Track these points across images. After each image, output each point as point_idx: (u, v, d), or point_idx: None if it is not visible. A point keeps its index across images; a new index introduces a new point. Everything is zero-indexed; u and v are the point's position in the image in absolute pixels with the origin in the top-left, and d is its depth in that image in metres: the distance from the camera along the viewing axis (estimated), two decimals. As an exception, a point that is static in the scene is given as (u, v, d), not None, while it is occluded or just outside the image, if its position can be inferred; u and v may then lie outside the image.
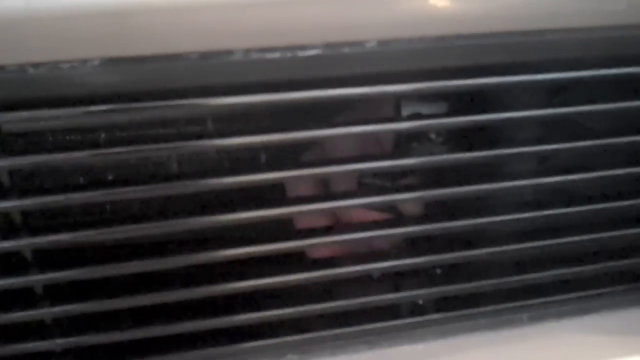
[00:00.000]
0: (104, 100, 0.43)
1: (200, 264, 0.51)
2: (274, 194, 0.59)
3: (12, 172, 0.46)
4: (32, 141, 0.55)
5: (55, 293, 0.50)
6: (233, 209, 0.50)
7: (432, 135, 0.51)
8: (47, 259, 0.49)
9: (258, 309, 0.54)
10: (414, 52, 0.44)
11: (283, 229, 0.55)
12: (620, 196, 0.56)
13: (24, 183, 0.55)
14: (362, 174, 0.55)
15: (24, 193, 0.46)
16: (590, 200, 0.56)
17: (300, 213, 0.53)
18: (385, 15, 0.43)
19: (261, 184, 0.49)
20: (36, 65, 0.41)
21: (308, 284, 0.54)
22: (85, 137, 0.56)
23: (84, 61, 0.41)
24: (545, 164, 0.56)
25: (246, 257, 0.51)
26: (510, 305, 0.59)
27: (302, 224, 0.58)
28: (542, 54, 0.47)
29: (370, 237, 0.54)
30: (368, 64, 0.44)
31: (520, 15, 0.45)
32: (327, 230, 0.53)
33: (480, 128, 0.52)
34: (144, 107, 0.44)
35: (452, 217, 0.53)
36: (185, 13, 0.40)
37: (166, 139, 0.46)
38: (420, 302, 0.58)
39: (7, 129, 0.44)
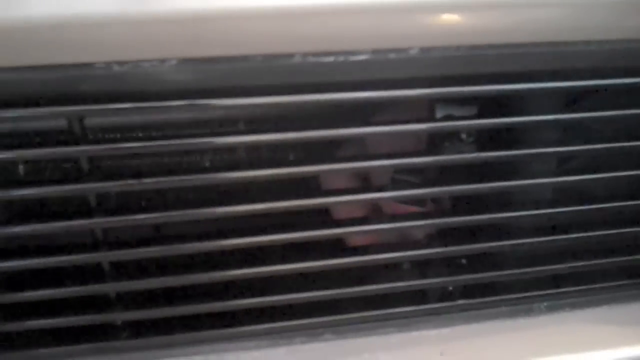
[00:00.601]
0: (178, 96, 0.49)
1: (248, 247, 0.56)
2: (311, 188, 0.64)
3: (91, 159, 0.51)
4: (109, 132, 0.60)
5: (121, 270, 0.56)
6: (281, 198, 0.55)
7: (463, 136, 0.57)
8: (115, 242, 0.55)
9: (299, 290, 0.59)
10: (450, 59, 0.49)
11: (323, 218, 0.60)
12: (631, 197, 0.61)
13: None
14: (397, 170, 0.60)
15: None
16: (603, 199, 0.61)
17: (337, 204, 0.59)
18: (427, 26, 0.48)
19: (307, 176, 0.54)
20: (121, 63, 0.46)
21: (345, 269, 0.60)
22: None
23: (162, 60, 0.47)
24: (564, 166, 0.61)
25: (289, 243, 0.57)
26: (529, 294, 0.64)
27: (340, 214, 0.63)
28: (564, 63, 0.52)
29: (403, 228, 0.59)
30: (410, 69, 0.50)
31: (541, 28, 0.50)
32: (363, 221, 0.59)
33: (507, 130, 0.57)
34: (214, 105, 0.50)
35: (479, 211, 0.59)
36: (252, 20, 0.46)
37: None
38: (450, 289, 0.63)
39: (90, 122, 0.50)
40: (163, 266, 0.56)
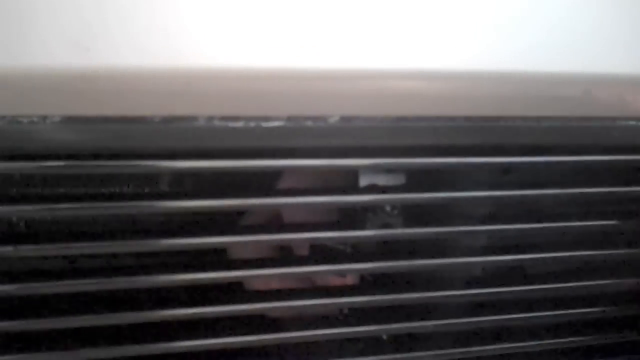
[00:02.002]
0: (61, 156, 0.43)
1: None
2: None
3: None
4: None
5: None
6: (186, 269, 0.50)
7: (387, 208, 0.52)
8: None
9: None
10: (374, 130, 0.45)
11: (234, 290, 0.55)
12: (570, 275, 0.58)
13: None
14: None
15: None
16: (534, 279, 0.57)
17: (254, 276, 0.54)
18: (349, 93, 0.43)
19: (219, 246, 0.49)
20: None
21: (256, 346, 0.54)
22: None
23: (44, 117, 0.40)
24: (495, 240, 0.57)
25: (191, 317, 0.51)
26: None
27: (253, 285, 0.57)
28: (496, 138, 0.48)
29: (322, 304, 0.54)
30: (329, 138, 0.45)
31: (474, 101, 0.46)
32: (279, 294, 0.54)
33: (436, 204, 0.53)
34: (100, 166, 0.43)
35: (402, 287, 0.54)
36: (152, 78, 0.40)
37: (121, 197, 0.46)
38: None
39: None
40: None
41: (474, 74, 0.44)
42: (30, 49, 0.38)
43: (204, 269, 0.50)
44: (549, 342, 0.60)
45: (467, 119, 0.46)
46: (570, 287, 0.57)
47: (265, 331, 0.53)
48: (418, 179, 0.53)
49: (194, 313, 0.51)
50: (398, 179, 0.53)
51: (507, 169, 0.55)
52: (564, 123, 0.48)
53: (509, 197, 0.52)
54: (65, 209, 0.45)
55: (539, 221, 0.54)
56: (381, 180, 0.52)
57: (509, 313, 0.57)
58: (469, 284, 0.56)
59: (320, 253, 0.55)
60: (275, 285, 0.55)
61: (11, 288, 0.46)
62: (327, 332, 0.55)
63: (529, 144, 0.49)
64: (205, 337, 0.52)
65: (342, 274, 0.57)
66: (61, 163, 0.43)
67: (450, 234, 0.52)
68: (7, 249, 0.45)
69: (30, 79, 0.38)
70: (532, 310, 0.58)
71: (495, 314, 0.57)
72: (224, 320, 0.53)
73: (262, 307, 0.52)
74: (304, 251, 0.56)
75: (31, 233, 0.55)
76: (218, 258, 0.56)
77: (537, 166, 0.51)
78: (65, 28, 0.38)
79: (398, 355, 0.57)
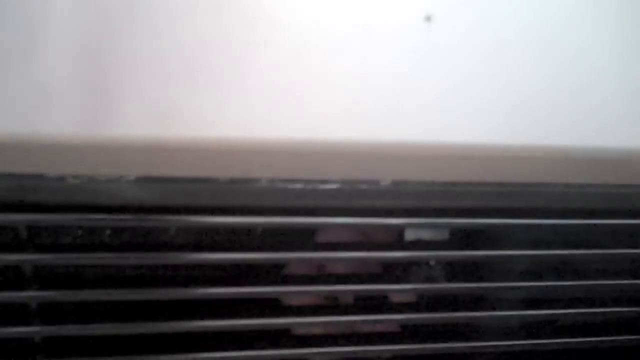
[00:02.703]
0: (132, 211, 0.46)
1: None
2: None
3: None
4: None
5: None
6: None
7: (432, 262, 0.55)
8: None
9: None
10: (424, 193, 0.48)
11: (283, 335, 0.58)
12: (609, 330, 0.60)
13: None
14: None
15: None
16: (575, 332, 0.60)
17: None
18: (400, 160, 0.46)
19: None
20: (75, 176, 0.44)
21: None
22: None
23: (120, 177, 0.44)
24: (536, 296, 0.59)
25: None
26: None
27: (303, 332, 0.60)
28: (535, 202, 0.51)
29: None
30: (381, 200, 0.48)
31: (514, 170, 0.49)
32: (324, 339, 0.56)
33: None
34: (166, 220, 0.47)
35: (443, 338, 0.57)
36: (220, 145, 0.44)
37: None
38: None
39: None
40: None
41: (512, 146, 0.47)
42: (113, 119, 0.42)
43: (256, 315, 0.53)
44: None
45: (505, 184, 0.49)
46: (601, 340, 0.59)
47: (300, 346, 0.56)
48: (463, 234, 0.55)
49: (245, 356, 0.54)
50: (442, 234, 0.56)
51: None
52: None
53: (544, 255, 0.54)
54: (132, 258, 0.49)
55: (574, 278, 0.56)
56: (425, 234, 0.55)
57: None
58: (506, 335, 0.58)
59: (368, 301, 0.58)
60: (321, 331, 0.58)
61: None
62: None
63: (566, 207, 0.52)
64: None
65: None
66: (131, 217, 0.46)
67: (487, 289, 0.55)
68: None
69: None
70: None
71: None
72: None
73: (308, 353, 0.55)
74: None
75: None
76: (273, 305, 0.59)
77: (567, 229, 0.54)
78: (144, 100, 0.42)
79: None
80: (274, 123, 0.44)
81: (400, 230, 0.55)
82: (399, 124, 0.45)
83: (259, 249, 0.51)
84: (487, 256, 0.53)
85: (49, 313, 0.50)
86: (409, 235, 0.55)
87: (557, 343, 0.59)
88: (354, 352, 0.56)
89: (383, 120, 0.45)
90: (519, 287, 0.56)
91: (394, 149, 0.46)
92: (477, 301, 0.57)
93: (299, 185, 0.46)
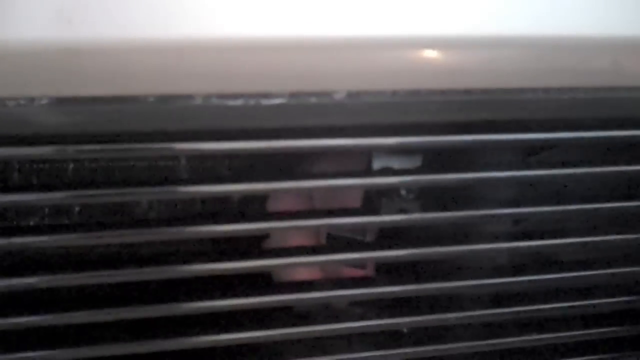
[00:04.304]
0: (52, 140, 0.40)
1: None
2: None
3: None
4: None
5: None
6: (191, 258, 0.47)
7: (403, 192, 0.49)
8: None
9: None
10: (386, 105, 0.42)
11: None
12: (598, 263, 0.54)
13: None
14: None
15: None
16: (564, 265, 0.54)
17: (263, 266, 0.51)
18: (356, 66, 0.40)
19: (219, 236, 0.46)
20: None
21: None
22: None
23: (32, 99, 0.38)
24: (521, 226, 0.53)
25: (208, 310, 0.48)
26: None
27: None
28: (519, 113, 0.45)
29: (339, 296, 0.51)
30: (336, 115, 0.42)
31: (498, 72, 0.43)
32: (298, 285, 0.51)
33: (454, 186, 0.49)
34: (90, 150, 0.41)
35: (422, 278, 0.51)
36: (142, 54, 0.38)
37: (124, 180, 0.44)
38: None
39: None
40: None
41: (492, 40, 0.41)
42: (8, 22, 0.36)
43: (220, 258, 0.47)
44: (575, 334, 0.56)
45: (485, 91, 0.42)
46: (598, 274, 0.53)
47: (286, 324, 0.51)
48: (435, 160, 0.49)
49: (220, 305, 0.48)
50: (414, 162, 0.50)
51: (531, 148, 0.51)
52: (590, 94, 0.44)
53: (533, 177, 0.48)
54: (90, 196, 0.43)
55: (564, 204, 0.50)
56: (396, 163, 0.49)
57: (534, 304, 0.54)
58: (492, 273, 0.52)
59: (336, 245, 0.52)
60: (289, 277, 0.52)
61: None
62: (345, 325, 0.52)
63: (552, 118, 0.45)
64: (231, 330, 0.49)
65: (358, 265, 0.54)
66: (51, 149, 0.40)
67: (471, 218, 0.49)
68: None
69: (11, 55, 0.36)
70: (557, 301, 0.54)
71: (518, 305, 0.53)
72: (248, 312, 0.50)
73: (280, 300, 0.50)
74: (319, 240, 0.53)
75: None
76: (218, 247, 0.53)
77: (560, 143, 0.47)
78: None
79: (419, 349, 0.54)
80: (205, 20, 0.38)
81: (366, 157, 0.49)
82: (355, 16, 0.39)
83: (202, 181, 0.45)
84: (464, 180, 0.47)
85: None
86: (377, 164, 0.49)
87: (549, 279, 0.53)
88: (326, 297, 0.50)
89: (337, 13, 0.39)
90: (505, 215, 0.50)
91: (349, 50, 0.40)
92: (457, 236, 0.51)
93: (239, 102, 0.40)
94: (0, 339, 0.46)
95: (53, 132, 0.40)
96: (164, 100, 0.39)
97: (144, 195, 0.45)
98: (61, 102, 0.38)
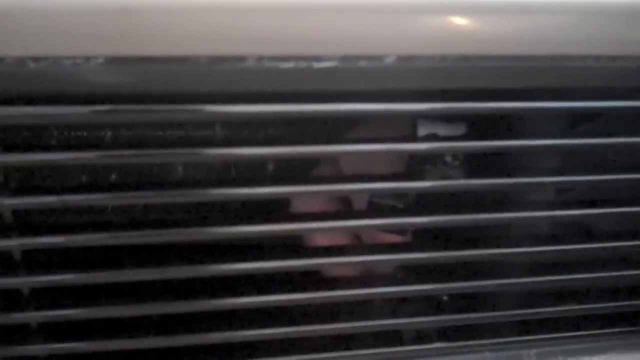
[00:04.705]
0: (106, 100, 0.41)
1: (201, 276, 0.49)
2: (280, 208, 0.56)
3: (7, 169, 0.44)
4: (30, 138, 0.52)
5: (44, 297, 0.48)
6: (236, 221, 0.48)
7: (448, 158, 0.49)
8: (36, 260, 0.47)
9: (258, 326, 0.51)
10: (434, 71, 0.42)
11: (288, 243, 0.53)
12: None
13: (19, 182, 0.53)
14: (372, 194, 0.53)
15: (18, 192, 0.44)
16: (608, 237, 0.53)
17: (306, 230, 0.52)
18: (407, 30, 0.40)
19: (266, 198, 0.47)
20: (37, 59, 0.38)
21: (311, 303, 0.52)
22: (88, 136, 0.54)
23: (87, 58, 0.39)
24: (563, 196, 0.53)
25: (245, 273, 0.49)
26: (517, 339, 0.57)
27: (308, 240, 0.55)
28: (567, 81, 0.44)
29: (380, 261, 0.51)
30: (386, 80, 0.42)
31: (546, 39, 0.42)
32: (334, 250, 0.51)
33: (498, 154, 0.49)
34: (146, 110, 0.42)
35: (464, 245, 0.51)
36: (196, 14, 0.38)
37: (172, 143, 0.44)
38: (428, 330, 0.55)
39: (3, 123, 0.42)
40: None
41: (544, 6, 0.41)
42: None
43: (260, 221, 0.48)
44: (614, 305, 0.56)
45: (532, 58, 0.42)
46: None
47: (321, 289, 0.51)
48: (480, 128, 0.49)
49: (249, 268, 0.49)
50: (459, 129, 0.50)
51: (577, 117, 0.51)
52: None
53: (580, 146, 0.48)
54: (110, 157, 0.43)
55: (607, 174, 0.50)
56: (441, 130, 0.49)
57: (573, 273, 0.54)
58: (533, 242, 0.52)
59: (378, 211, 0.53)
60: (331, 241, 0.53)
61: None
62: (384, 290, 0.52)
63: (599, 87, 0.45)
64: (261, 293, 0.50)
65: (400, 231, 0.55)
66: (105, 108, 0.41)
67: (514, 186, 0.49)
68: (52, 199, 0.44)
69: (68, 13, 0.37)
70: (596, 272, 0.54)
71: (559, 274, 0.54)
72: (280, 275, 0.51)
73: (318, 263, 0.50)
74: (362, 206, 0.54)
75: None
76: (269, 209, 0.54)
77: (609, 112, 0.47)
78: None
79: (458, 316, 0.54)
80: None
81: (412, 124, 0.49)
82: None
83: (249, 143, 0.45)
84: (510, 147, 0.47)
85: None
86: (422, 130, 0.49)
87: (591, 249, 0.53)
88: (368, 262, 0.51)
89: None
90: (548, 184, 0.50)
91: (400, 15, 0.40)
92: (500, 204, 0.51)
93: (290, 64, 0.40)
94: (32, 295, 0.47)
95: (108, 91, 0.40)
96: (217, 61, 0.40)
97: (190, 156, 0.46)
98: (116, 61, 0.39)
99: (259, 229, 0.48)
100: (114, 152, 0.43)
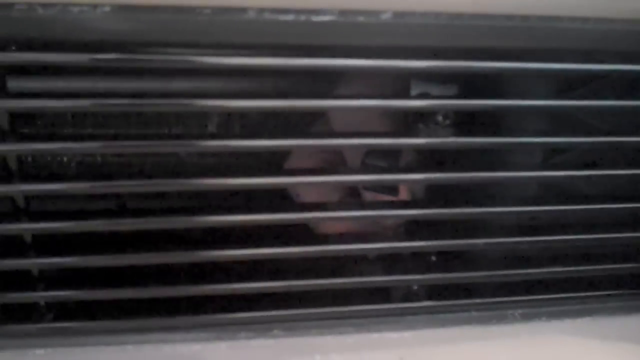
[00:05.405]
0: (110, 48, 0.42)
1: (195, 228, 0.50)
2: (276, 163, 0.58)
3: (12, 115, 0.45)
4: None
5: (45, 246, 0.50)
6: (232, 175, 0.49)
7: (439, 118, 0.50)
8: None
9: (246, 279, 0.53)
10: (429, 27, 0.43)
11: (282, 198, 0.54)
12: (625, 198, 0.56)
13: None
14: (367, 154, 0.54)
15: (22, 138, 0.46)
16: (593, 199, 0.55)
17: (299, 185, 0.53)
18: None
19: (259, 151, 0.48)
20: (45, 5, 0.40)
21: (301, 259, 0.54)
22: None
23: (94, 6, 0.40)
24: (551, 160, 0.55)
25: (238, 225, 0.51)
26: (503, 300, 0.58)
27: (304, 197, 0.57)
28: (557, 42, 0.46)
29: (370, 217, 0.53)
30: (382, 36, 0.44)
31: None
32: (325, 206, 0.53)
33: (489, 114, 0.51)
34: (149, 60, 0.43)
35: (453, 203, 0.53)
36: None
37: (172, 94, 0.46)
38: (415, 287, 0.57)
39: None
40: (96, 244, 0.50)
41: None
42: None
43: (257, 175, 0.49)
44: (599, 268, 0.58)
45: (525, 17, 0.44)
46: (630, 208, 0.55)
47: (312, 244, 0.53)
48: (471, 87, 0.51)
49: (244, 220, 0.50)
50: (451, 89, 0.51)
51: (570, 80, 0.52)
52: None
53: (569, 108, 0.50)
54: (114, 105, 0.45)
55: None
56: (433, 89, 0.51)
57: (558, 235, 0.56)
58: (521, 202, 0.54)
59: (370, 170, 0.54)
60: (325, 198, 0.55)
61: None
62: (374, 246, 0.54)
63: (591, 49, 0.47)
64: (253, 246, 0.52)
65: (390, 190, 0.56)
66: (112, 55, 0.43)
67: (504, 145, 0.50)
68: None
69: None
70: (586, 233, 0.56)
71: (545, 235, 0.55)
72: (273, 229, 0.52)
73: (311, 217, 0.52)
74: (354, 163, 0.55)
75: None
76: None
77: (598, 74, 0.49)
78: None
79: (445, 275, 0.56)
80: None
81: (404, 82, 0.51)
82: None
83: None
84: (501, 107, 0.49)
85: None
86: (415, 89, 0.51)
87: (580, 210, 0.55)
88: (360, 217, 0.52)
89: None
90: (537, 145, 0.51)
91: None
92: (490, 162, 0.53)
93: (290, 17, 0.42)
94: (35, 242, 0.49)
95: (113, 39, 0.42)
96: (219, 12, 0.41)
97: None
98: (122, 9, 0.40)
99: (253, 182, 0.49)
100: (109, 101, 0.45)
